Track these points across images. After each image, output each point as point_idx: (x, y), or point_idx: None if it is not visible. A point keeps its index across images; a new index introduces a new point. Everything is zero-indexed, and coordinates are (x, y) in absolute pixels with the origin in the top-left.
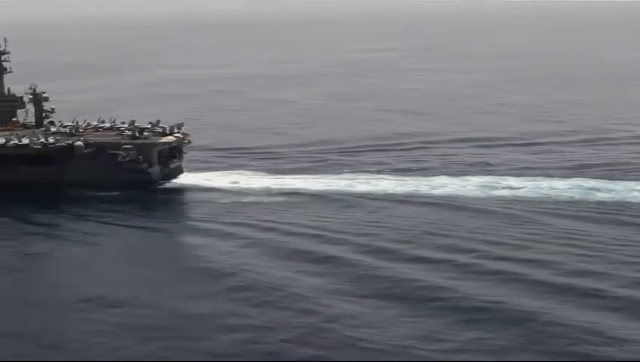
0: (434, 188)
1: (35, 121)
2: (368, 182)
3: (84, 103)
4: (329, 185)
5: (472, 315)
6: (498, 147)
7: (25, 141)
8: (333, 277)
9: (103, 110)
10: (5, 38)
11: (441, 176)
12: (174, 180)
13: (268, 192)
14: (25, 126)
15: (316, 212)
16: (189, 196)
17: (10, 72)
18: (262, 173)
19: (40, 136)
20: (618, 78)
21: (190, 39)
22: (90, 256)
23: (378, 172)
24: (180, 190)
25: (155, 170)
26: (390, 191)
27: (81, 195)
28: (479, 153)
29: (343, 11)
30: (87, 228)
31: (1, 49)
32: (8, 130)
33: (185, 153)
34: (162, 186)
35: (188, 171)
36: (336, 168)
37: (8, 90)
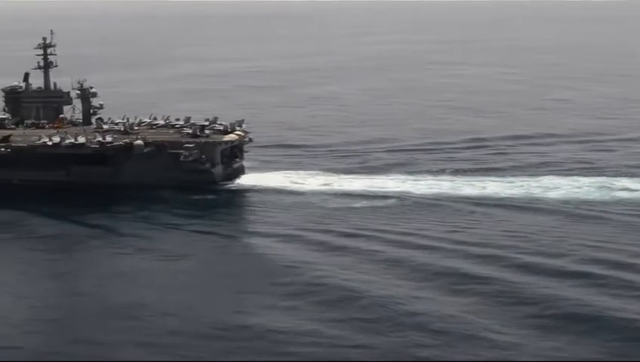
0: (547, 189)
1: (83, 118)
2: (472, 184)
3: (114, 99)
4: (430, 188)
5: None
6: (584, 143)
7: (81, 140)
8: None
9: (135, 106)
10: (52, 30)
11: (548, 176)
12: (237, 181)
13: (354, 195)
14: (72, 123)
15: (429, 219)
16: (259, 198)
17: (56, 66)
18: (330, 173)
19: (97, 134)
20: None
21: (206, 30)
22: (172, 271)
23: (469, 172)
24: (245, 191)
25: (218, 170)
26: (502, 195)
27: (138, 196)
28: (572, 150)
29: (341, 2)
30: (153, 234)
31: (47, 41)
32: (56, 127)
33: (246, 152)
34: (225, 187)
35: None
36: (412, 167)
37: (54, 85)
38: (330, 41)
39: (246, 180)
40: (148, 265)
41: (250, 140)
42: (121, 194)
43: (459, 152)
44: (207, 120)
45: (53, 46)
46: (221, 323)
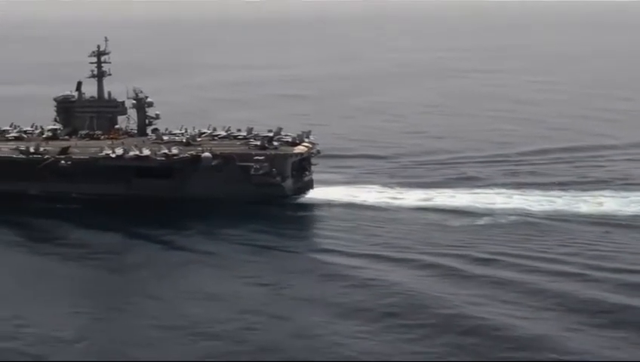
0: None
1: (138, 129)
2: (585, 200)
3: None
4: (541, 204)
5: None
6: None
7: (146, 152)
8: None
9: (177, 116)
10: (106, 38)
11: None
12: (307, 195)
13: (459, 212)
14: (127, 134)
15: (560, 240)
16: (344, 214)
17: (110, 74)
18: (407, 187)
19: (162, 146)
20: None
21: (230, 37)
22: (276, 296)
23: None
24: (321, 206)
25: (289, 183)
26: (629, 213)
27: (204, 210)
28: None
29: (345, 10)
30: (235, 254)
31: (101, 49)
32: (111, 138)
33: (314, 165)
34: (295, 201)
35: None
36: (503, 180)
37: (109, 94)
38: (354, 47)
39: (317, 194)
40: (242, 289)
41: (319, 152)
42: (185, 208)
43: (538, 164)
44: (270, 131)
45: (107, 54)
46: None
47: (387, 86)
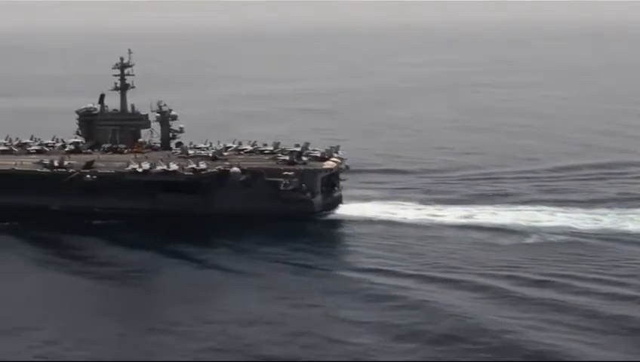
0: None
1: (162, 143)
2: (631, 218)
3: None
4: (585, 221)
5: None
6: None
7: (173, 166)
8: None
9: (199, 129)
10: (129, 50)
11: None
12: (336, 211)
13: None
14: (151, 148)
15: (616, 261)
16: (376, 230)
17: (133, 87)
18: (444, 204)
19: (189, 161)
20: None
21: (242, 51)
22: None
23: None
24: (352, 222)
25: (318, 199)
26: None
27: (230, 226)
28: None
29: (339, 25)
30: (275, 273)
31: (125, 61)
32: (135, 152)
33: (343, 180)
34: (324, 218)
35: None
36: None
37: (132, 107)
38: (362, 62)
39: (347, 210)
40: (290, 311)
41: (347, 168)
42: (213, 224)
43: (570, 180)
44: (297, 145)
45: (131, 66)
46: None
47: (403, 100)
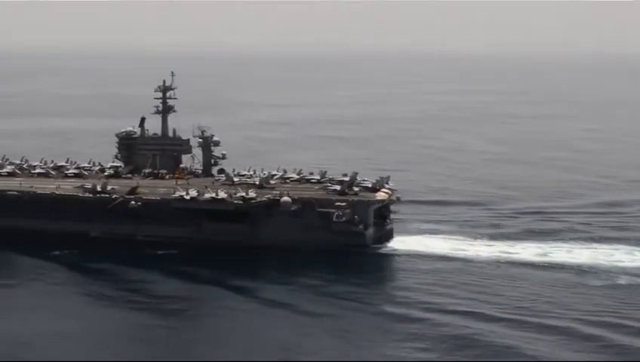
0: None
1: (203, 169)
2: None
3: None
4: None
5: None
6: None
7: (222, 195)
8: None
9: (236, 156)
10: (172, 72)
11: None
12: (388, 244)
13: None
14: (193, 174)
15: None
16: (442, 267)
17: (175, 111)
18: (503, 239)
19: (238, 189)
20: None
21: (256, 74)
22: None
23: None
24: (409, 257)
25: (370, 232)
26: None
27: (280, 259)
28: None
29: (350, 54)
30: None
31: (167, 84)
32: (177, 178)
33: (394, 212)
34: (376, 251)
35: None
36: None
37: (174, 131)
38: (387, 89)
39: (399, 244)
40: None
41: (399, 199)
42: (261, 255)
43: (629, 216)
44: (345, 175)
45: (174, 89)
46: None
47: (436, 130)
